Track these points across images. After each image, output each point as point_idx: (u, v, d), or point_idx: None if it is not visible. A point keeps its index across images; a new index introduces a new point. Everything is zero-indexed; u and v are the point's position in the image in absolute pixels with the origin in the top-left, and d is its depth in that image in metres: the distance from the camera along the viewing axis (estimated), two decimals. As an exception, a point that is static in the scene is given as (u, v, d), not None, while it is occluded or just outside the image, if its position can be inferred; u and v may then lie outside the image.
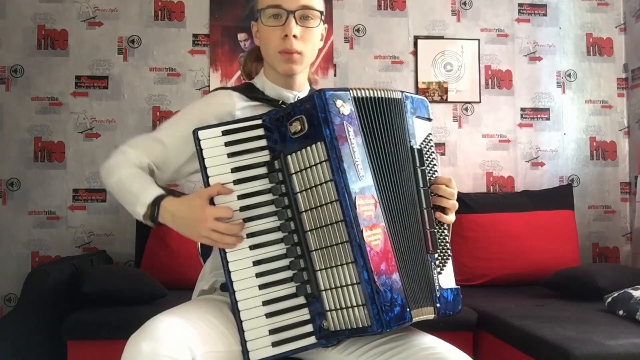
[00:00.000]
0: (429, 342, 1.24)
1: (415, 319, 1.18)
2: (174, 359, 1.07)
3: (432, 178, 1.33)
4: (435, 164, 1.36)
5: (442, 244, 1.31)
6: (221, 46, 3.27)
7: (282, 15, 1.37)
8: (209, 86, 3.24)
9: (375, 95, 1.26)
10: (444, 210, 1.33)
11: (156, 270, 2.73)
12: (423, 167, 1.30)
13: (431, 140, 1.36)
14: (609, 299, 2.23)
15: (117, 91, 3.22)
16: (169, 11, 3.27)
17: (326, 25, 1.48)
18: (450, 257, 1.33)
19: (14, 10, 3.19)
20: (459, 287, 1.32)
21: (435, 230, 1.30)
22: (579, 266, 2.89)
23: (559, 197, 3.19)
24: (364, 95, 1.24)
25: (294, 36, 1.37)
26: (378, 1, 3.38)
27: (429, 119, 1.38)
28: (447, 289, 1.28)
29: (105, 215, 3.16)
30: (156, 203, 1.29)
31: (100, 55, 3.22)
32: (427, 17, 3.39)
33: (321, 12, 1.41)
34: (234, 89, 1.48)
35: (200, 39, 3.27)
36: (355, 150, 1.18)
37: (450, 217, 1.34)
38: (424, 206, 1.28)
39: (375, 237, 1.15)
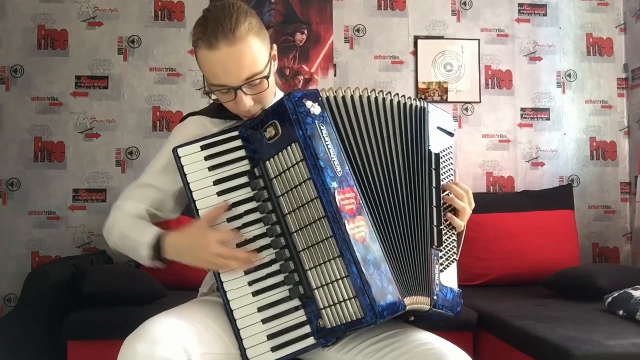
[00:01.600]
0: (426, 337, 1.24)
1: (409, 307, 1.18)
2: None
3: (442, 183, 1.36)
4: (451, 174, 1.39)
5: (449, 246, 1.34)
6: (221, 46, 3.26)
7: (231, 91, 1.30)
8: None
9: (350, 94, 1.29)
10: (456, 212, 1.36)
11: (156, 270, 2.72)
12: (437, 170, 1.34)
13: (450, 152, 1.40)
14: (609, 299, 2.23)
15: (117, 91, 3.22)
16: (169, 11, 3.27)
17: (274, 46, 1.38)
18: (455, 262, 1.35)
19: (14, 10, 3.19)
20: (460, 290, 1.34)
21: (443, 229, 1.32)
22: (579, 266, 2.89)
23: (559, 197, 3.19)
24: (334, 95, 1.27)
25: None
26: (378, 1, 3.38)
27: (451, 134, 1.42)
28: (447, 286, 1.29)
29: (105, 215, 3.08)
30: (157, 241, 1.29)
31: (100, 55, 3.22)
32: (427, 17, 3.39)
33: (267, 71, 1.31)
34: (204, 112, 1.46)
35: (200, 39, 3.26)
36: (329, 147, 1.20)
37: (460, 221, 1.36)
38: (434, 204, 1.31)
39: (359, 229, 1.17)
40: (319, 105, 1.23)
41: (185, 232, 1.27)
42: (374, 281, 1.14)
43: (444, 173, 1.36)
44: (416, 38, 3.37)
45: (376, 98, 1.32)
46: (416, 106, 1.35)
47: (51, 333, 2.31)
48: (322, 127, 1.21)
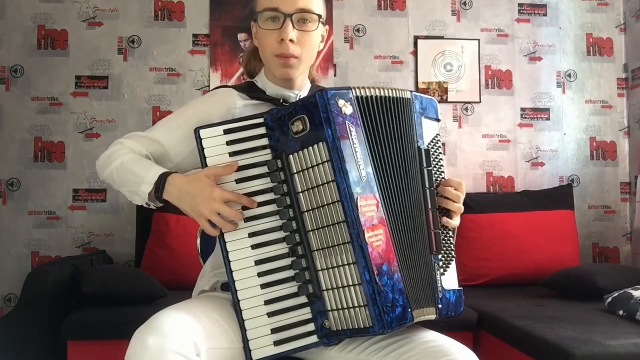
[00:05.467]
0: (429, 336, 1.24)
1: (416, 320, 1.18)
2: (179, 354, 1.07)
3: (438, 179, 1.33)
4: (442, 165, 1.35)
5: (447, 245, 1.32)
6: (221, 46, 3.27)
7: (279, 18, 1.35)
8: (209, 86, 3.24)
9: (379, 94, 1.25)
10: (449, 212, 1.32)
11: (156, 270, 2.73)
12: (430, 168, 1.29)
13: (439, 140, 1.35)
14: (609, 299, 2.23)
15: (117, 91, 3.22)
16: (169, 11, 3.27)
17: (327, 27, 1.47)
18: (453, 259, 1.33)
19: (14, 10, 3.19)
20: (461, 288, 1.33)
21: (440, 232, 1.29)
22: (579, 266, 2.89)
23: (559, 197, 3.19)
24: (366, 94, 1.23)
25: (291, 40, 1.35)
26: (378, 1, 3.38)
27: (438, 120, 1.37)
28: (449, 290, 1.28)
29: (105, 215, 3.16)
30: (162, 179, 1.27)
31: (100, 55, 3.22)
32: (427, 17, 3.39)
33: (319, 16, 1.39)
34: (235, 87, 1.48)
35: (200, 39, 3.27)
36: (357, 150, 1.18)
37: (455, 221, 1.34)
38: (429, 207, 1.28)
39: (377, 237, 1.15)
40: (350, 105, 1.20)
41: (193, 180, 1.24)
42: (386, 292, 1.13)
43: (436, 165, 1.32)
44: (416, 38, 3.37)
45: (397, 98, 1.27)
46: (401, 98, 1.28)
47: (51, 333, 2.31)
48: (351, 129, 1.18)
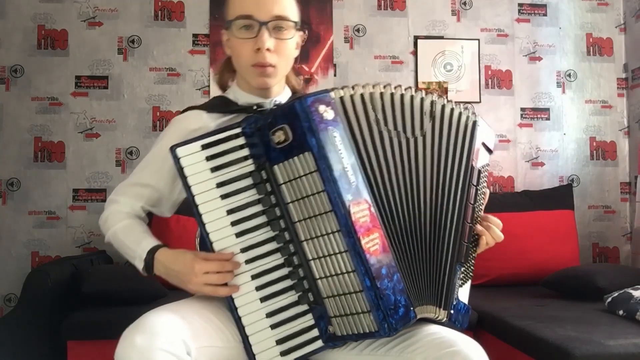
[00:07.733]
0: (433, 328, 1.23)
1: (420, 316, 1.17)
2: (168, 352, 1.06)
3: (478, 200, 1.34)
4: (484, 192, 1.37)
5: (470, 263, 1.33)
6: (221, 46, 3.26)
7: (254, 26, 1.32)
8: (209, 86, 3.24)
9: (364, 92, 1.23)
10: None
11: (156, 270, 2.73)
12: (477, 186, 1.30)
13: (487, 171, 1.38)
14: (609, 299, 2.23)
15: (117, 91, 3.22)
16: (169, 11, 3.27)
17: (302, 32, 1.43)
18: (470, 279, 1.35)
19: (14, 10, 3.19)
20: (470, 306, 1.33)
21: (471, 246, 1.30)
22: (579, 266, 2.89)
23: (559, 197, 3.19)
24: (350, 94, 1.21)
25: (268, 49, 1.32)
26: (378, 1, 3.38)
27: (490, 151, 1.40)
28: (461, 301, 1.29)
29: (105, 215, 3.15)
30: (150, 255, 1.30)
31: (100, 55, 3.22)
32: (427, 17, 3.39)
33: (295, 23, 1.36)
34: (204, 107, 1.45)
35: (200, 39, 3.27)
36: (343, 155, 1.14)
37: (480, 249, 1.37)
38: (468, 221, 1.27)
39: (374, 242, 1.13)
40: (332, 109, 1.15)
41: (179, 257, 1.26)
42: (387, 295, 1.11)
43: (479, 189, 1.33)
44: (416, 38, 3.37)
45: (402, 95, 1.26)
46: (468, 118, 1.32)
47: (51, 333, 2.31)
48: (335, 134, 1.13)
